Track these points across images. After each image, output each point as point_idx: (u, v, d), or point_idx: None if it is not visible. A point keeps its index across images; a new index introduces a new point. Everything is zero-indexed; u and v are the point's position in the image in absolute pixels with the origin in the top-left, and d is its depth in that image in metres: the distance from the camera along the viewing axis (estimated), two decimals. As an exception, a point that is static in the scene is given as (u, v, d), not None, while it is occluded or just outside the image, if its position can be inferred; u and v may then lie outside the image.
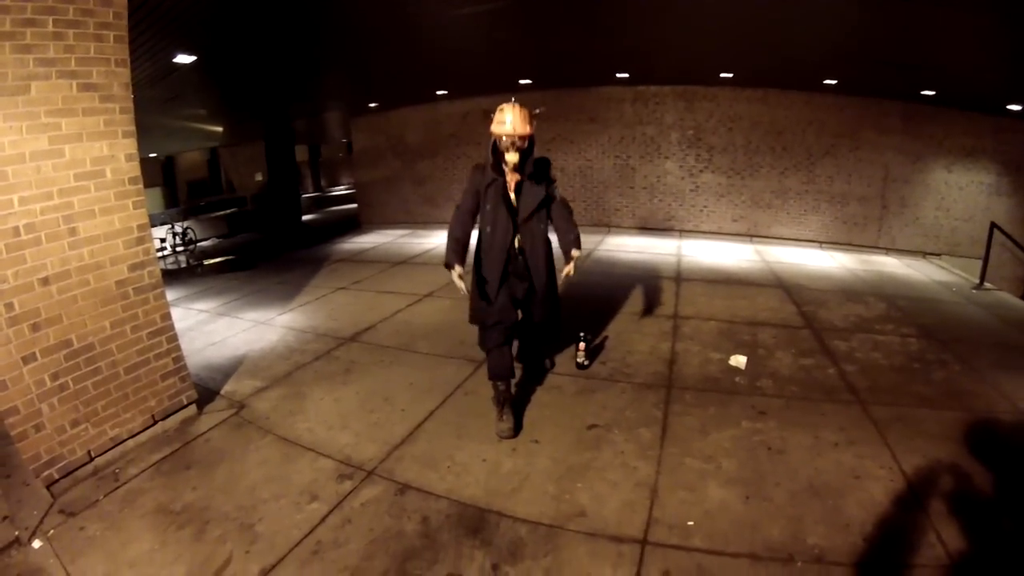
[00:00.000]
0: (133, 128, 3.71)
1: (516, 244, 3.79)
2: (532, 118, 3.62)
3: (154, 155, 23.16)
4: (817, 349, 5.35)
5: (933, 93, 9.68)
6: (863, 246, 11.52)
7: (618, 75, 10.92)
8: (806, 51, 7.80)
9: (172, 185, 25.94)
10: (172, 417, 4.03)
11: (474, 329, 4.14)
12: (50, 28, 3.20)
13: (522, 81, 11.34)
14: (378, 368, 4.99)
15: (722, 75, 10.31)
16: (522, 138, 3.53)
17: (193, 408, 4.20)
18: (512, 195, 3.72)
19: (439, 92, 12.62)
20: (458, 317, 5.96)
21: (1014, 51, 6.31)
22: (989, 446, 3.65)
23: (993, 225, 8.96)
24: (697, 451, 3.54)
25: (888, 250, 11.43)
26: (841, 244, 11.58)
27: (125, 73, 3.62)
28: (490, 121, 3.63)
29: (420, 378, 4.70)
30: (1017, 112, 9.84)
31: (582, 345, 4.70)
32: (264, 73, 9.23)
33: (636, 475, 3.28)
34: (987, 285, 8.67)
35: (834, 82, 9.91)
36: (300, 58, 8.31)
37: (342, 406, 4.29)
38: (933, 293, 8.14)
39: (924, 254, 11.29)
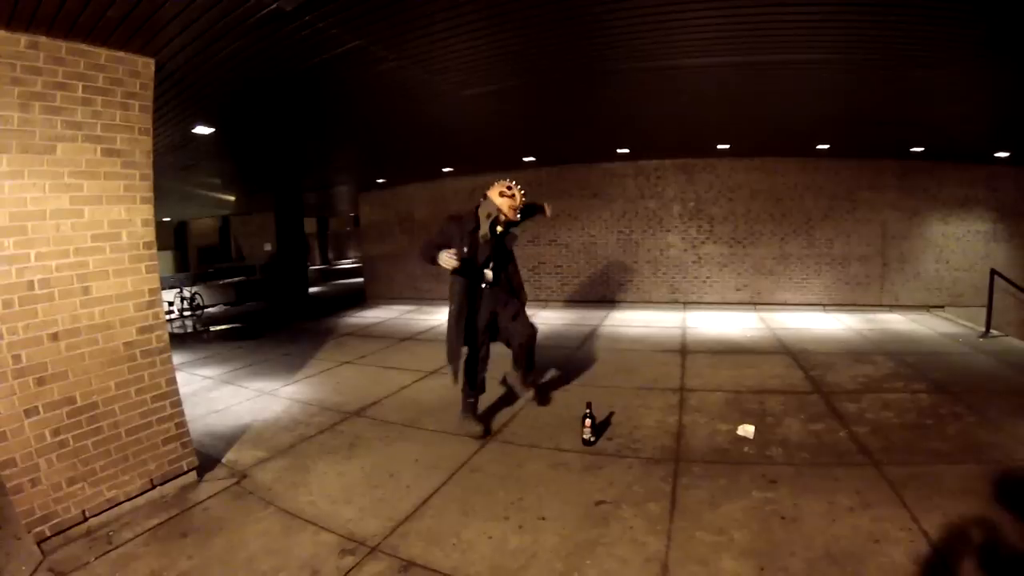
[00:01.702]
0: (151, 195, 3.86)
1: (489, 278, 4.82)
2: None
3: (167, 219, 23.67)
4: (826, 413, 5.27)
5: (923, 149, 9.96)
6: (867, 305, 11.52)
7: (619, 151, 11.23)
8: (798, 119, 8.09)
9: (183, 249, 26.38)
10: (171, 483, 3.99)
11: (480, 406, 5.18)
12: (79, 93, 3.41)
13: (526, 159, 11.66)
14: (383, 443, 4.93)
15: (719, 146, 10.60)
16: (515, 210, 4.70)
17: (193, 475, 4.16)
18: (488, 244, 4.72)
19: (445, 169, 12.94)
20: (463, 394, 5.94)
21: (996, 102, 6.55)
22: (1012, 497, 3.54)
23: (993, 272, 9.02)
24: (708, 524, 3.43)
25: (892, 307, 11.45)
26: (845, 305, 11.58)
27: (147, 141, 3.80)
28: (495, 187, 4.72)
29: (425, 454, 4.64)
30: (1006, 159, 10.14)
31: (588, 422, 4.65)
32: (277, 148, 9.55)
33: (646, 550, 3.17)
34: (993, 332, 8.64)
35: (827, 147, 10.19)
36: (312, 136, 8.61)
37: (346, 480, 4.22)
38: (940, 346, 8.11)
39: (928, 308, 11.32)
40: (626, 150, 11.18)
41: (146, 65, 3.77)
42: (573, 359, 7.57)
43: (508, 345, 5.16)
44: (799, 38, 4.82)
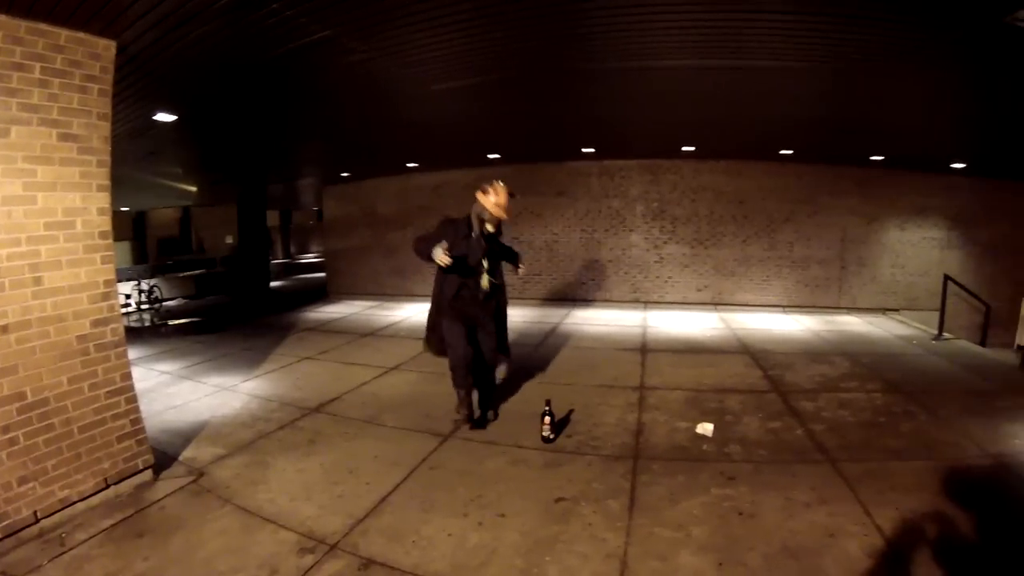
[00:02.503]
0: (108, 183, 3.73)
1: (486, 286, 4.83)
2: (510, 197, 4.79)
3: (126, 209, 23.00)
4: (784, 411, 5.38)
5: (883, 158, 10.25)
6: (825, 307, 11.80)
7: (584, 150, 11.29)
8: (763, 124, 8.23)
9: (142, 240, 25.63)
10: (126, 481, 3.87)
11: (440, 403, 5.48)
12: (37, 75, 3.27)
13: (491, 156, 11.63)
14: (343, 440, 4.88)
15: (684, 148, 10.73)
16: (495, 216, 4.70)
17: (149, 473, 4.05)
18: (481, 250, 4.70)
19: (410, 165, 12.88)
20: (425, 390, 5.92)
21: (954, 114, 6.75)
22: (962, 492, 3.67)
23: (946, 277, 9.35)
24: (667, 520, 3.47)
25: (850, 309, 11.74)
26: (804, 307, 11.83)
27: (106, 127, 3.66)
28: (482, 191, 4.69)
29: (386, 451, 4.60)
30: (961, 169, 10.49)
31: (547, 419, 4.66)
32: (241, 139, 9.39)
33: (606, 547, 3.19)
34: (946, 335, 8.93)
35: (790, 152, 10.39)
36: (277, 127, 8.50)
37: (306, 477, 4.16)
38: (895, 348, 8.35)
39: (884, 310, 11.63)
40: (591, 149, 11.24)
41: (107, 47, 3.63)
42: (533, 357, 7.59)
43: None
44: (767, 45, 4.92)
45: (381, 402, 5.85)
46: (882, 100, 6.29)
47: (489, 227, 4.71)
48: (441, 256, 4.34)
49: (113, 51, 3.68)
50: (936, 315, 9.28)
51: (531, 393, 5.96)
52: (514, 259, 5.39)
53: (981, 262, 10.80)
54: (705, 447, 4.60)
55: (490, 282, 4.88)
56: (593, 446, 4.65)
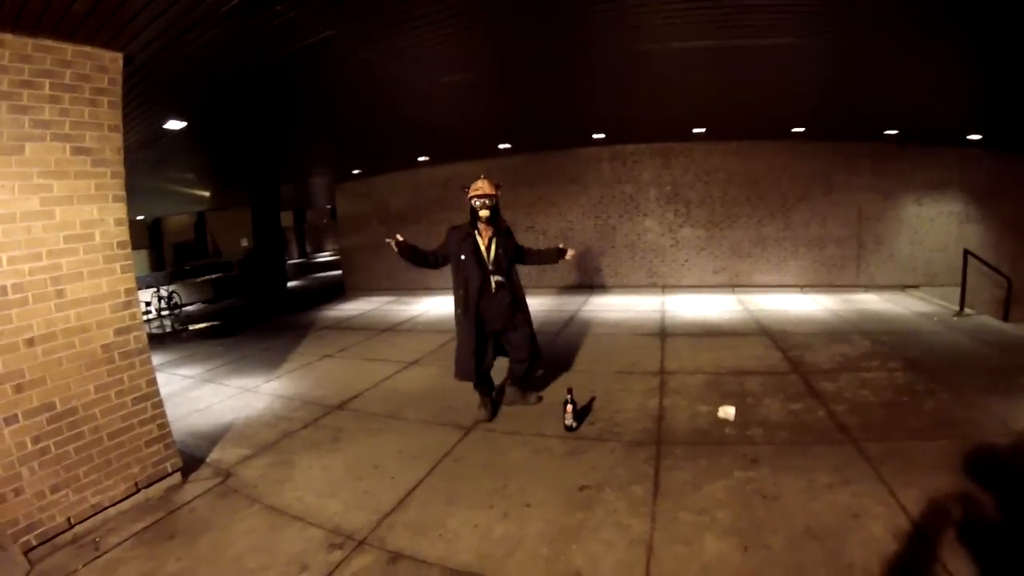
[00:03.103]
0: (123, 193, 3.79)
1: (493, 283, 4.89)
2: (496, 186, 4.91)
3: (141, 217, 23.25)
4: (805, 393, 5.35)
5: (896, 132, 10.09)
6: (843, 286, 11.67)
7: (595, 136, 11.22)
8: (773, 103, 8.13)
9: (159, 247, 25.92)
10: (156, 485, 3.96)
11: (461, 396, 5.52)
12: (47, 91, 3.32)
13: (502, 146, 11.61)
14: (366, 436, 4.93)
15: (695, 131, 10.63)
16: (490, 196, 4.83)
17: (178, 476, 4.13)
18: (483, 248, 4.90)
19: (421, 158, 12.87)
20: (445, 384, 5.93)
21: (966, 83, 6.63)
22: (986, 471, 3.64)
23: (966, 252, 9.18)
24: (691, 504, 3.48)
25: (868, 287, 11.61)
26: (822, 286, 11.72)
27: (117, 138, 3.72)
28: (467, 193, 4.87)
29: (409, 445, 4.64)
30: (977, 141, 10.32)
31: (569, 407, 4.67)
32: (251, 141, 9.45)
33: (630, 533, 3.21)
34: (967, 311, 8.82)
35: (802, 130, 10.25)
36: (286, 127, 8.53)
37: (331, 474, 4.22)
38: (915, 325, 8.26)
39: (903, 287, 11.49)
40: (602, 135, 11.17)
41: (114, 60, 3.68)
42: (553, 345, 7.59)
43: (510, 358, 5.27)
44: (777, 21, 4.83)
45: (402, 397, 5.90)
46: (892, 71, 6.17)
47: (482, 213, 4.81)
48: (390, 239, 4.82)
49: (120, 63, 3.74)
50: (957, 291, 9.14)
51: (552, 382, 5.97)
52: (543, 257, 5.56)
53: (1001, 236, 10.57)
54: (727, 430, 4.59)
55: (496, 282, 4.91)
56: (615, 432, 4.66)
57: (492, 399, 5.25)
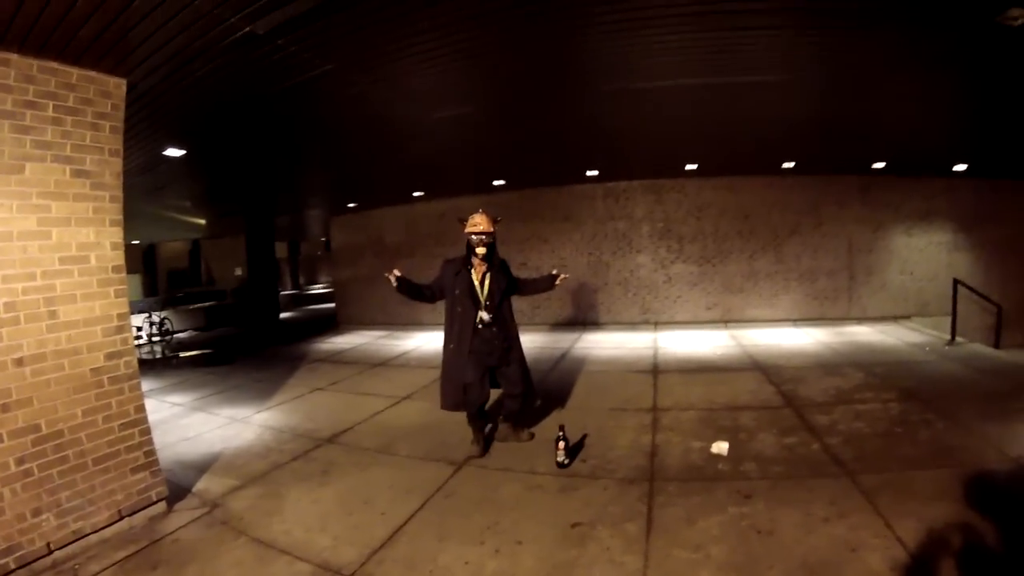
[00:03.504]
0: (121, 217, 3.81)
1: (485, 319, 4.87)
2: (494, 222, 4.91)
3: (137, 242, 23.21)
4: (799, 426, 5.33)
5: (884, 164, 10.31)
6: (836, 319, 11.73)
7: (588, 172, 11.34)
8: (764, 138, 8.30)
9: (153, 273, 25.82)
10: (140, 513, 3.89)
11: (454, 431, 5.45)
12: (50, 112, 3.36)
13: (496, 182, 11.72)
14: (357, 470, 4.87)
15: (688, 166, 10.78)
16: (487, 234, 4.82)
17: (163, 505, 4.06)
18: (477, 284, 4.89)
19: (416, 193, 12.98)
20: (437, 419, 5.88)
21: (952, 116, 6.86)
22: (984, 498, 3.63)
23: (956, 281, 9.31)
24: (685, 541, 3.43)
25: (860, 319, 11.67)
26: (814, 319, 11.76)
27: (117, 163, 3.75)
28: (464, 226, 4.86)
29: (400, 480, 4.58)
30: (963, 171, 10.56)
31: (561, 444, 4.63)
32: (249, 171, 9.54)
33: (624, 570, 3.15)
34: (959, 339, 8.89)
35: (792, 164, 10.44)
36: (283, 159, 8.64)
37: (320, 508, 4.15)
38: (908, 355, 8.31)
39: (895, 318, 11.57)
40: (595, 172, 11.30)
41: (117, 85, 3.74)
42: (546, 382, 7.54)
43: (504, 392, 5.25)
44: (765, 59, 4.98)
45: (394, 431, 5.84)
46: (880, 106, 6.35)
47: (478, 251, 4.80)
48: (388, 274, 4.75)
49: (123, 89, 3.80)
50: (948, 320, 9.24)
51: (545, 418, 5.93)
52: (538, 286, 5.60)
53: (990, 263, 10.75)
54: (720, 466, 4.55)
55: (489, 318, 4.91)
56: (608, 469, 4.61)
57: (485, 435, 5.21)
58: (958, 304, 9.12)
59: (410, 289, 4.92)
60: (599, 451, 5.01)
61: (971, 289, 9.14)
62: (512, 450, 5.11)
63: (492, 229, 4.87)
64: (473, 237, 4.81)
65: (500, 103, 6.16)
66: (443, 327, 5.02)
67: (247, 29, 3.72)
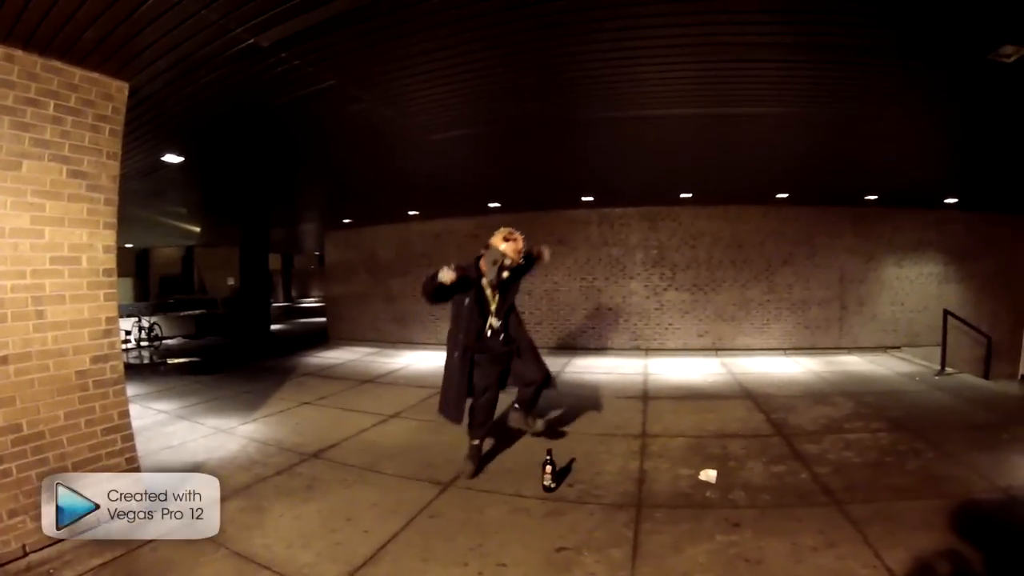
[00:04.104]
0: (115, 220, 3.80)
1: (495, 325, 4.87)
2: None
3: (130, 245, 22.96)
4: (788, 455, 5.31)
5: (876, 197, 10.48)
6: (827, 348, 11.76)
7: (584, 198, 11.40)
8: (759, 169, 8.39)
9: (145, 277, 25.50)
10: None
11: (440, 451, 5.49)
12: (50, 111, 3.37)
13: (492, 204, 11.76)
14: (342, 486, 4.81)
15: (682, 195, 10.87)
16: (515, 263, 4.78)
17: (143, 513, 3.99)
18: (488, 296, 4.84)
19: (411, 212, 12.99)
20: (424, 439, 5.89)
21: (944, 151, 6.99)
22: (972, 528, 3.64)
23: (946, 312, 9.39)
24: (671, 568, 3.40)
25: (851, 349, 11.71)
26: (805, 349, 11.78)
27: (115, 166, 3.76)
28: (505, 239, 4.73)
29: (385, 498, 4.53)
30: (954, 204, 10.82)
31: (548, 468, 4.59)
32: (246, 182, 9.53)
33: (609, 595, 3.13)
34: (948, 370, 8.96)
35: (786, 195, 10.56)
36: (281, 172, 8.65)
37: (303, 524, 4.09)
38: (898, 385, 8.36)
39: (886, 348, 11.63)
40: (591, 198, 11.36)
41: (120, 89, 3.76)
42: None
43: (519, 385, 5.17)
44: (757, 93, 5.07)
45: (380, 450, 5.78)
46: (873, 140, 6.45)
47: (506, 273, 4.76)
48: (446, 272, 4.29)
49: (125, 92, 3.82)
50: (938, 350, 9.32)
51: (532, 442, 5.85)
52: (533, 260, 5.22)
53: (980, 295, 10.88)
54: (709, 493, 4.53)
55: (496, 327, 4.89)
56: (595, 495, 4.57)
57: (481, 454, 5.16)
58: (948, 335, 9.20)
59: (448, 289, 4.57)
60: (587, 476, 4.96)
61: (961, 320, 9.24)
62: (499, 473, 5.07)
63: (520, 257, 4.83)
64: (507, 260, 4.67)
65: (499, 127, 6.21)
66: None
67: (251, 41, 3.74)
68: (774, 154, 7.34)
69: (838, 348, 11.76)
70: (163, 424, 6.61)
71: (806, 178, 9.06)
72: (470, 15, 3.71)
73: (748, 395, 7.93)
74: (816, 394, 7.82)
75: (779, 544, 3.61)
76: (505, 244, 4.71)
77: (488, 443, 5.45)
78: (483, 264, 4.74)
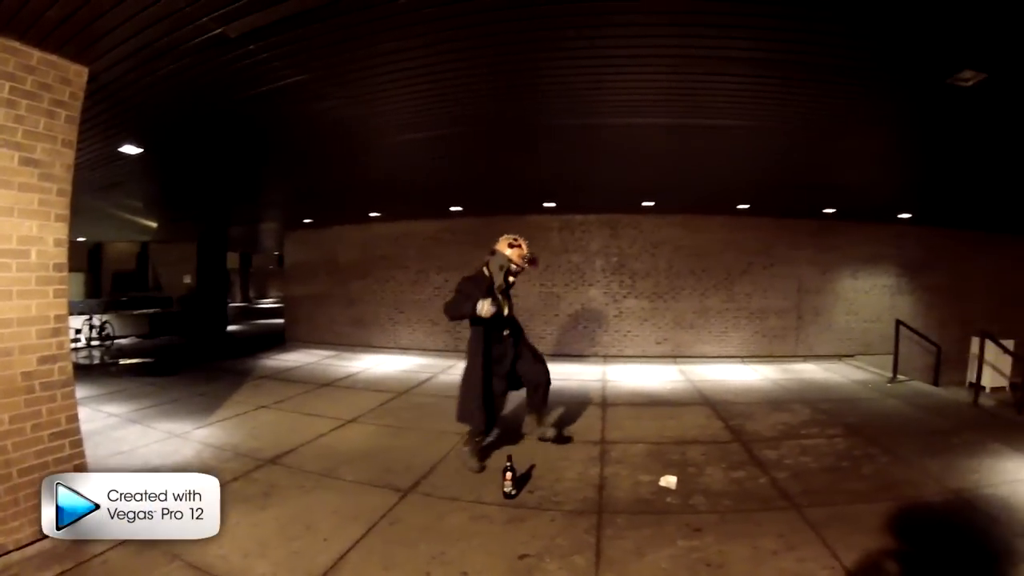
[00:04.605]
0: (67, 212, 3.63)
1: (505, 332, 5.24)
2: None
3: (83, 239, 22.10)
4: (747, 461, 5.40)
5: (834, 210, 10.77)
6: (784, 356, 12.04)
7: (546, 204, 11.40)
8: (720, 180, 8.56)
9: (96, 273, 24.49)
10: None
11: (400, 457, 5.54)
12: (5, 94, 3.20)
13: (453, 208, 11.70)
14: (300, 493, 4.70)
15: (644, 203, 10.98)
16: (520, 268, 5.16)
17: (93, 522, 3.83)
18: (501, 300, 5.15)
19: (373, 214, 12.84)
20: (384, 444, 5.81)
21: (900, 168, 7.27)
22: (924, 529, 3.84)
23: (898, 322, 9.75)
24: (635, 574, 3.42)
25: (807, 357, 12.02)
26: (763, 357, 12.01)
27: (69, 155, 3.60)
28: (510, 245, 5.11)
29: (344, 505, 4.44)
30: (908, 219, 11.28)
31: (508, 474, 4.56)
32: (206, 177, 9.28)
33: (573, 601, 3.12)
34: (900, 377, 9.35)
35: (747, 206, 10.76)
36: (243, 166, 8.43)
37: (260, 532, 3.97)
38: (852, 392, 8.64)
39: (840, 357, 11.97)
40: (552, 204, 11.37)
41: (78, 73, 3.61)
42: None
43: (527, 388, 5.53)
44: (723, 105, 5.15)
45: (339, 455, 5.67)
46: (835, 156, 6.62)
47: (512, 278, 5.12)
48: (486, 307, 4.74)
49: (84, 77, 3.68)
50: (890, 359, 9.70)
51: (492, 448, 5.84)
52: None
53: (930, 306, 11.23)
54: (669, 499, 4.56)
55: (511, 328, 5.33)
56: (556, 501, 4.56)
57: (484, 452, 5.35)
58: (900, 344, 9.57)
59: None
60: (547, 483, 4.95)
61: (912, 330, 9.58)
62: (459, 479, 5.02)
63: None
64: (514, 265, 5.09)
65: (460, 130, 6.17)
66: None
67: (219, 31, 3.64)
68: (738, 166, 7.48)
69: (795, 356, 12.06)
70: (114, 428, 6.37)
71: (768, 190, 9.26)
72: (440, 16, 3.68)
73: (707, 402, 8.03)
74: (774, 401, 7.98)
75: (740, 548, 3.65)
76: (510, 250, 5.07)
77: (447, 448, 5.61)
78: (486, 270, 5.09)
